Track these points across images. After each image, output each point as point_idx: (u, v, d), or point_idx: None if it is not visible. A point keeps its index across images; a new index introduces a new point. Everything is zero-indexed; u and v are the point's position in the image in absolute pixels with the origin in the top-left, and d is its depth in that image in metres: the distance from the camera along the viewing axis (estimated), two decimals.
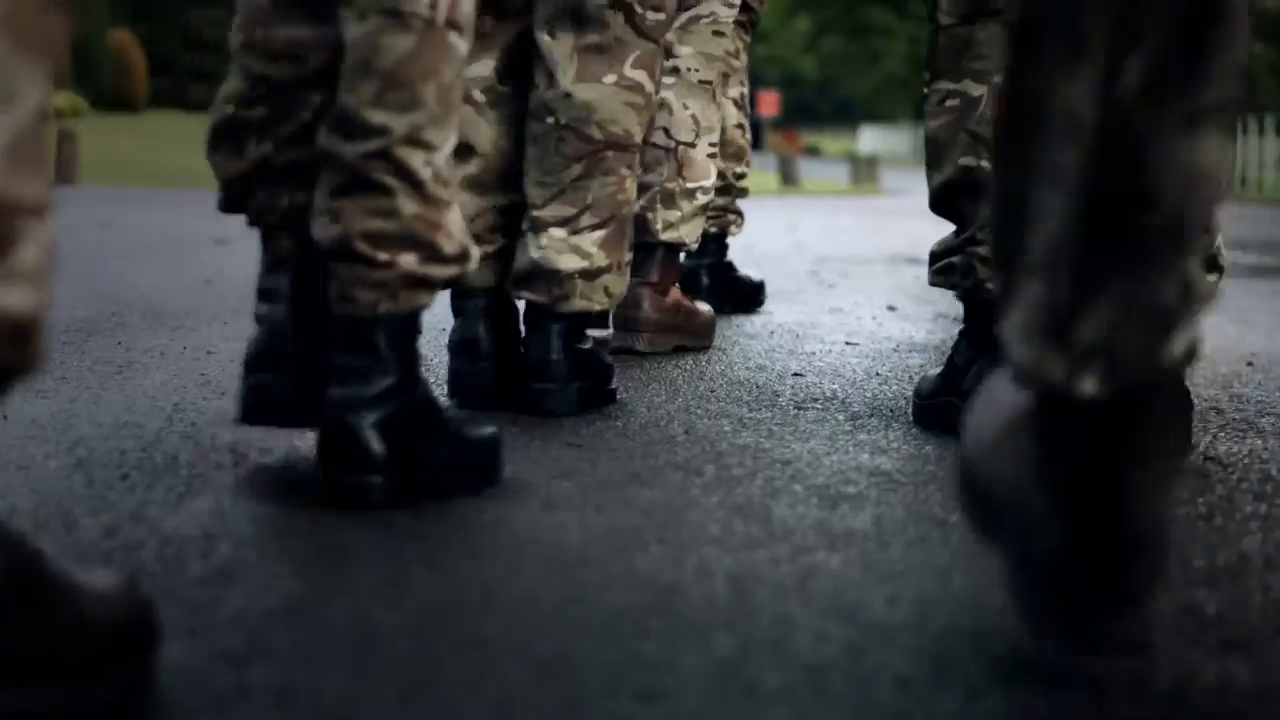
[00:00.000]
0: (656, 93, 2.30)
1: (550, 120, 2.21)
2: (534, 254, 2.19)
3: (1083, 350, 1.03)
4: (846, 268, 5.40)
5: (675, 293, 2.92)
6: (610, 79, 2.22)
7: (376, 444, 1.61)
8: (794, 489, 1.74)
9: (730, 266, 3.81)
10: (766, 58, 53.81)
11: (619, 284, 2.26)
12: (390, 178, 1.60)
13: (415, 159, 1.61)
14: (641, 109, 2.25)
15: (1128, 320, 1.02)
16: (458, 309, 2.28)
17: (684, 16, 2.86)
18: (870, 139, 48.79)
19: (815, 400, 2.37)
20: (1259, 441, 2.15)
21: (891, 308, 3.93)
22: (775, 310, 3.81)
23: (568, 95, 2.20)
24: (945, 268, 2.26)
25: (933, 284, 2.26)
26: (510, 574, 1.40)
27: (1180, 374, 1.07)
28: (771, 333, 3.29)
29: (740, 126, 3.61)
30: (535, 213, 2.21)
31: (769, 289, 3.99)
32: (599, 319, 2.36)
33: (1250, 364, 3.00)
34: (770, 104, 32.79)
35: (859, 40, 55.29)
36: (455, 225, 1.67)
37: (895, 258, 5.99)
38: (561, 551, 1.47)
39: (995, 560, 1.44)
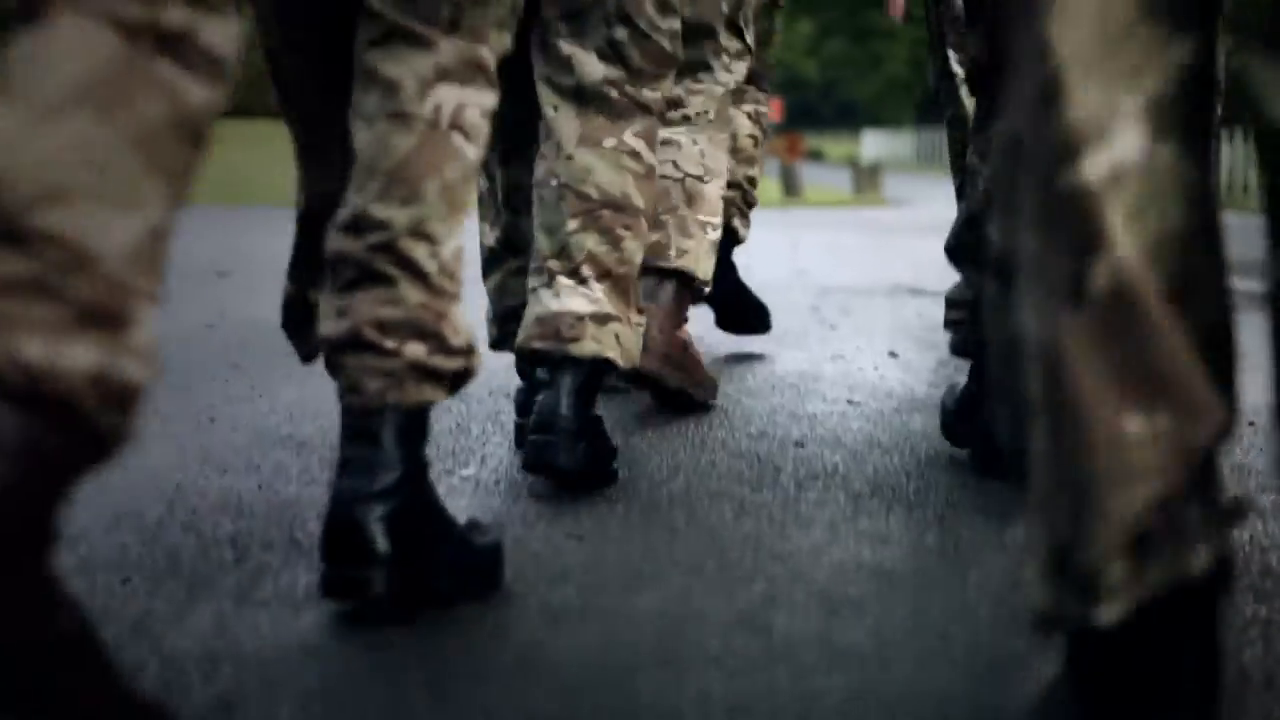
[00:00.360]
0: (653, 161, 2.34)
1: (554, 182, 2.28)
2: (547, 302, 2.23)
3: (1096, 580, 1.02)
4: (848, 301, 5.40)
5: (685, 332, 2.93)
6: (610, 143, 2.29)
7: (380, 539, 1.60)
8: (794, 594, 1.74)
9: (737, 278, 3.85)
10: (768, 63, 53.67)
11: (630, 338, 2.28)
12: (395, 268, 1.62)
13: (419, 250, 1.62)
14: (640, 177, 2.30)
15: (1141, 542, 1.01)
16: (522, 371, 2.49)
17: (690, 80, 2.89)
18: (873, 143, 48.78)
19: (816, 477, 2.37)
20: (1259, 525, 2.15)
21: (893, 354, 3.93)
22: (779, 356, 3.82)
23: (570, 158, 2.28)
24: (954, 321, 2.35)
25: (947, 329, 2.38)
26: (509, 700, 1.40)
27: (1216, 588, 1.05)
28: (773, 387, 3.29)
29: (752, 137, 3.62)
30: (545, 264, 2.26)
31: (773, 329, 4.08)
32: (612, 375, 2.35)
33: (1251, 424, 2.99)
34: (773, 109, 32.89)
35: (862, 44, 55.30)
36: (461, 320, 1.68)
37: (897, 288, 5.99)
38: (561, 673, 1.47)
39: (993, 687, 1.45)
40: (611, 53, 2.30)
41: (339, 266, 1.64)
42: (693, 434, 2.72)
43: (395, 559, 1.60)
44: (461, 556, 1.69)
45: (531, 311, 2.25)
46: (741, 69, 3.00)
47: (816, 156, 46.03)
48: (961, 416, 2.48)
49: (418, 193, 1.63)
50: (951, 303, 2.43)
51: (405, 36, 1.66)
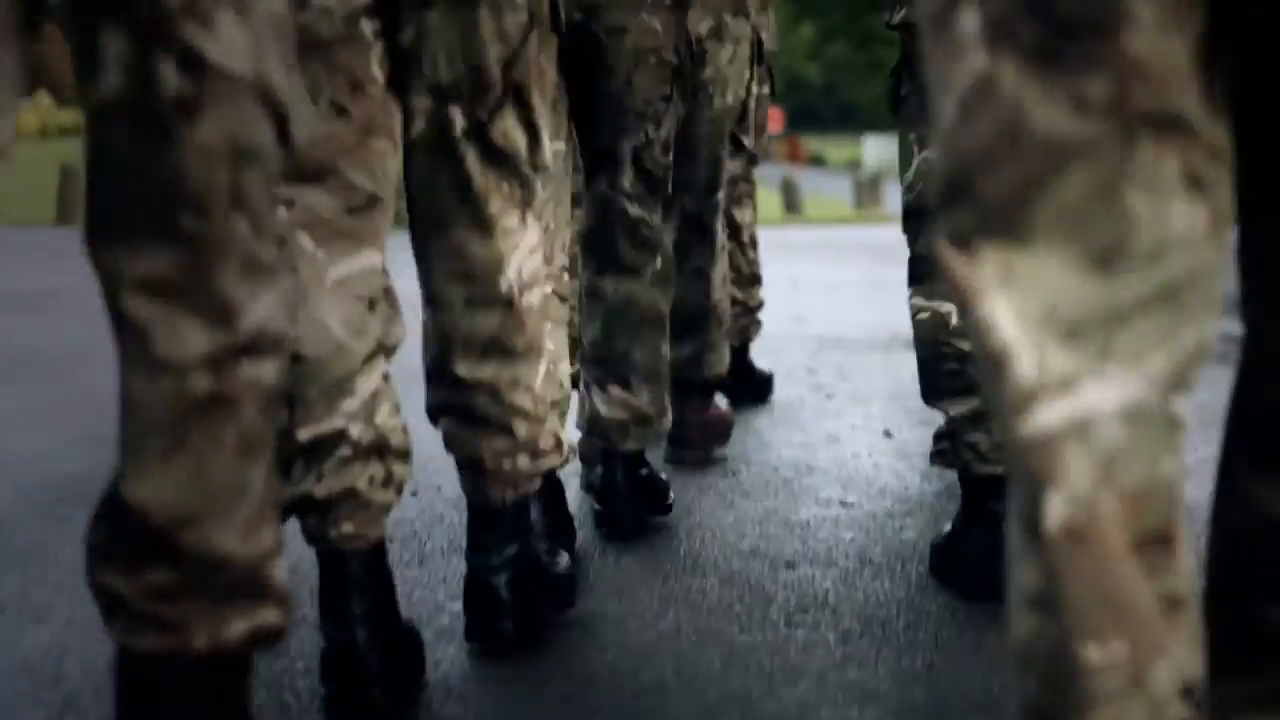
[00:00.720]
0: (669, 273, 2.90)
1: (607, 302, 2.87)
2: (599, 406, 2.87)
3: None
4: (845, 361, 5.41)
5: (709, 410, 3.50)
6: (648, 270, 2.88)
7: (506, 594, 2.15)
8: None
9: (750, 363, 4.43)
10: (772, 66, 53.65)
11: (664, 423, 2.92)
12: (502, 411, 2.08)
13: (519, 396, 2.08)
14: (666, 293, 2.90)
15: None
16: (585, 458, 3.16)
17: (714, 199, 3.35)
18: (875, 149, 48.69)
19: (806, 610, 2.38)
20: None
21: (888, 434, 3.94)
22: (775, 438, 3.83)
23: (616, 289, 2.87)
24: (939, 452, 2.61)
25: (932, 464, 2.61)
26: None
27: None
28: (767, 483, 3.30)
29: (752, 246, 4.25)
30: (598, 371, 2.87)
31: (772, 396, 4.42)
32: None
33: None
34: (774, 119, 32.92)
35: (863, 48, 55.30)
36: (554, 424, 2.17)
37: (894, 340, 5.98)
38: None
39: None
40: (631, 192, 2.83)
41: (453, 406, 2.09)
42: (686, 552, 2.72)
43: (517, 608, 2.15)
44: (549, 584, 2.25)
45: (588, 407, 2.90)
46: (738, 165, 3.62)
47: (818, 162, 45.99)
48: (949, 557, 2.54)
49: (508, 351, 2.05)
50: (939, 436, 2.53)
51: (474, 221, 2.01)
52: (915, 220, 2.52)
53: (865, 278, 9.32)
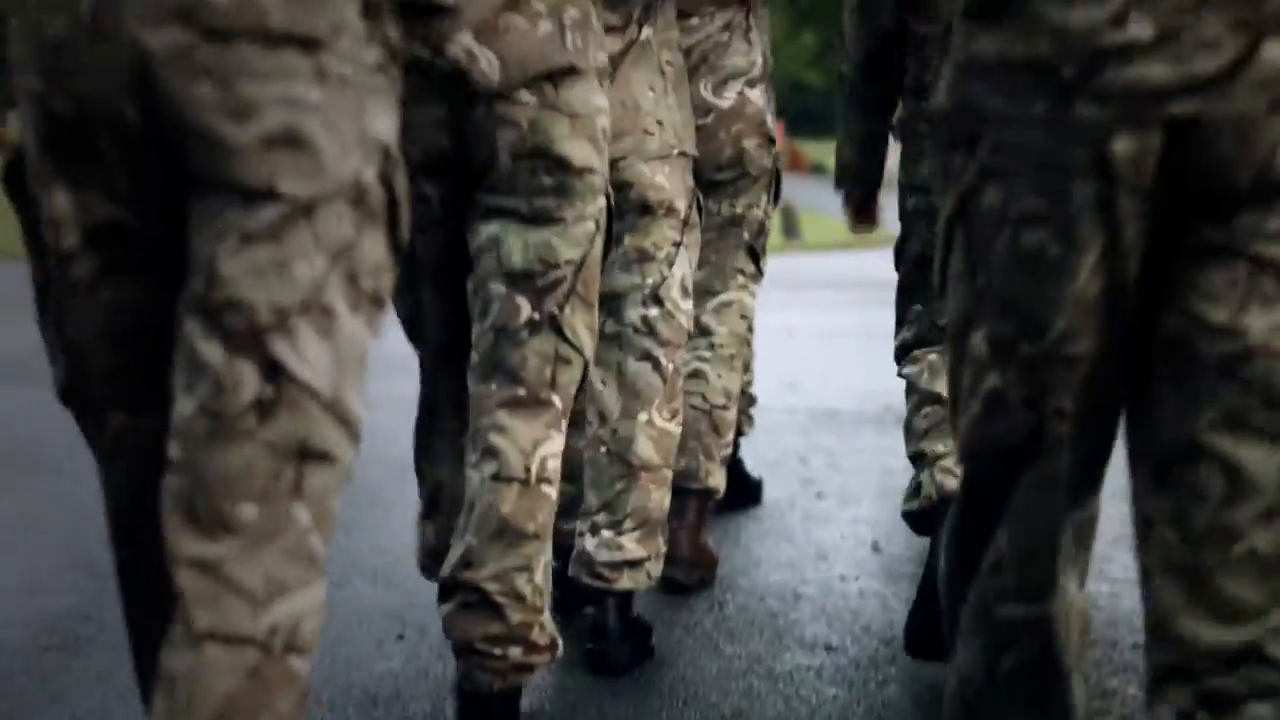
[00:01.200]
0: (676, 430, 3.00)
1: (603, 449, 2.96)
2: (590, 548, 2.93)
3: None
4: (837, 444, 5.42)
5: (701, 536, 3.54)
6: (644, 418, 2.95)
7: None
8: None
9: (740, 463, 4.38)
10: (773, 74, 53.56)
11: (656, 567, 2.98)
12: (502, 596, 2.29)
13: (520, 581, 2.28)
14: (665, 446, 2.96)
15: None
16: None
17: (716, 301, 3.56)
18: None
19: None
20: None
21: (876, 548, 3.95)
22: (763, 553, 3.85)
23: (615, 431, 2.95)
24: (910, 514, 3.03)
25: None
26: None
27: None
28: (752, 621, 3.30)
29: (746, 344, 4.14)
30: (593, 518, 2.94)
31: (763, 500, 4.46)
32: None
33: None
34: (777, 133, 32.94)
35: None
36: (547, 622, 2.35)
37: (886, 412, 5.99)
38: None
39: None
40: (645, 329, 2.93)
41: (458, 590, 2.29)
42: (667, 716, 2.72)
43: None
44: None
45: (583, 546, 2.93)
46: (755, 288, 3.65)
47: (819, 170, 45.96)
48: (916, 624, 2.80)
49: (518, 532, 2.27)
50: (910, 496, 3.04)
51: (518, 403, 2.27)
52: (903, 356, 3.13)
53: (861, 324, 9.34)
